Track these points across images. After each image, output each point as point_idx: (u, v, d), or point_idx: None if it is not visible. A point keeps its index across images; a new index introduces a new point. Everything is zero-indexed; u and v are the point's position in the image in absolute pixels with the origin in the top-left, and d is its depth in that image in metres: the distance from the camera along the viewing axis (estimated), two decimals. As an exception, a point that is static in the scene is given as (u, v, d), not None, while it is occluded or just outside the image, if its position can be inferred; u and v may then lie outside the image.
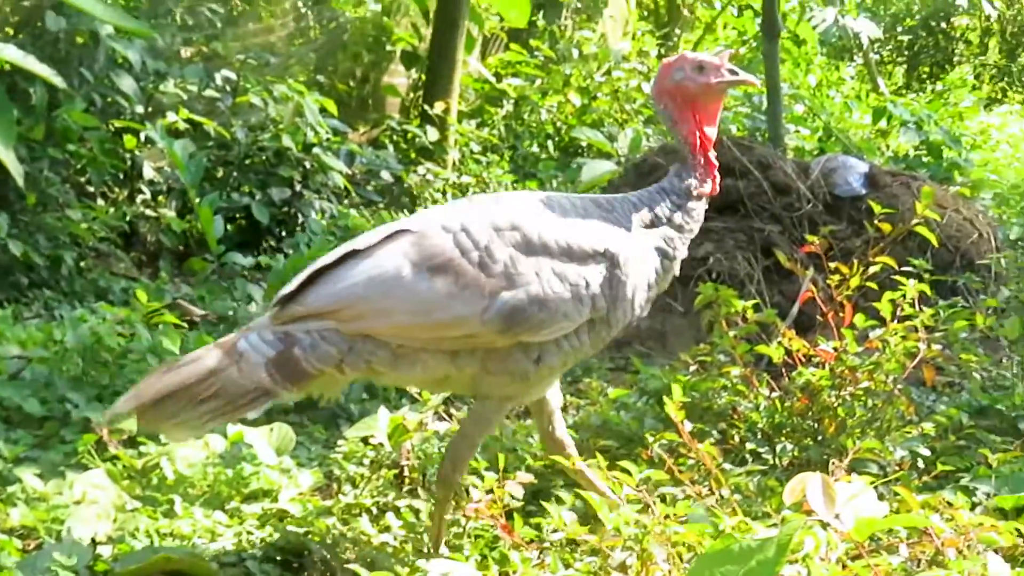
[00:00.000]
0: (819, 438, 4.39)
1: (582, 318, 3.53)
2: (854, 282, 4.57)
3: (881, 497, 3.14)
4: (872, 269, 4.59)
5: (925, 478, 4.12)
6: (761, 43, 12.37)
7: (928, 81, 16.40)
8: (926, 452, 4.27)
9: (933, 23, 17.79)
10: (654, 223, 3.69)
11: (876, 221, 4.64)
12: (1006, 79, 17.22)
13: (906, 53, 18.01)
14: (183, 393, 3.45)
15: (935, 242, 5.05)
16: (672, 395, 3.54)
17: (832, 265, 4.69)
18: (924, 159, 9.63)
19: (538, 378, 3.59)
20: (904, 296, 4.53)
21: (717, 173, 3.73)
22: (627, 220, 3.67)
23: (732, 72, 3.72)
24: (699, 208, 3.74)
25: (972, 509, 3.65)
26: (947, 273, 6.00)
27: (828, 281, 4.69)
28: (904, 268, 4.88)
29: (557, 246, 3.49)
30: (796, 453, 4.38)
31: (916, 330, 4.44)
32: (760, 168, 6.43)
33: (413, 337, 3.49)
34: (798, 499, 2.65)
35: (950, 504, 3.32)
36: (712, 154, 3.71)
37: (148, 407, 3.46)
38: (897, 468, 4.19)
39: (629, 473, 3.27)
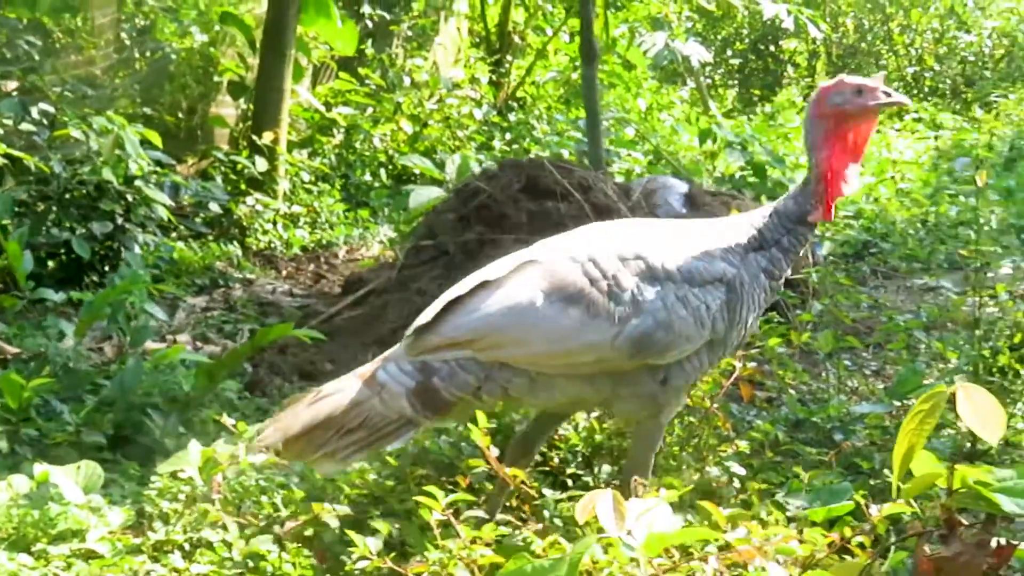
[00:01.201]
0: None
1: (703, 340, 3.75)
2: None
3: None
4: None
5: (743, 496, 4.22)
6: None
7: (759, 103, 16.88)
8: (741, 471, 4.39)
9: (762, 47, 18.38)
10: (762, 245, 3.87)
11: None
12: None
13: (737, 76, 18.54)
14: (330, 424, 3.65)
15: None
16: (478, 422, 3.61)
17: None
18: (749, 179, 9.95)
19: (666, 398, 3.80)
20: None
21: (835, 203, 3.87)
22: (739, 244, 3.85)
23: (887, 94, 3.87)
24: (808, 232, 3.92)
25: (788, 524, 3.77)
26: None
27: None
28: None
29: (679, 273, 3.71)
30: (615, 473, 4.46)
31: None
32: (581, 190, 6.62)
33: (548, 364, 3.70)
34: (589, 516, 2.76)
35: (763, 520, 3.47)
36: (838, 184, 3.84)
37: (295, 439, 3.67)
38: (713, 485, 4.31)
39: (435, 498, 3.33)
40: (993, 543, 2.72)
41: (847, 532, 2.96)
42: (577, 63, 14.87)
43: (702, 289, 3.73)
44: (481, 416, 3.57)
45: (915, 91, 17.38)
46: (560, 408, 4.00)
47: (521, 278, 3.71)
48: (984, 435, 2.64)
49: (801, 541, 3.09)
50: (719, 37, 18.33)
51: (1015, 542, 2.72)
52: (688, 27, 16.80)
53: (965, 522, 2.74)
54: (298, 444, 3.69)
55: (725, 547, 3.08)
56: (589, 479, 4.42)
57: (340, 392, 3.73)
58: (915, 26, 17.95)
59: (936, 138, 13.31)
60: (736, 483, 4.33)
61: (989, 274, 5.88)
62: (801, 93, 17.21)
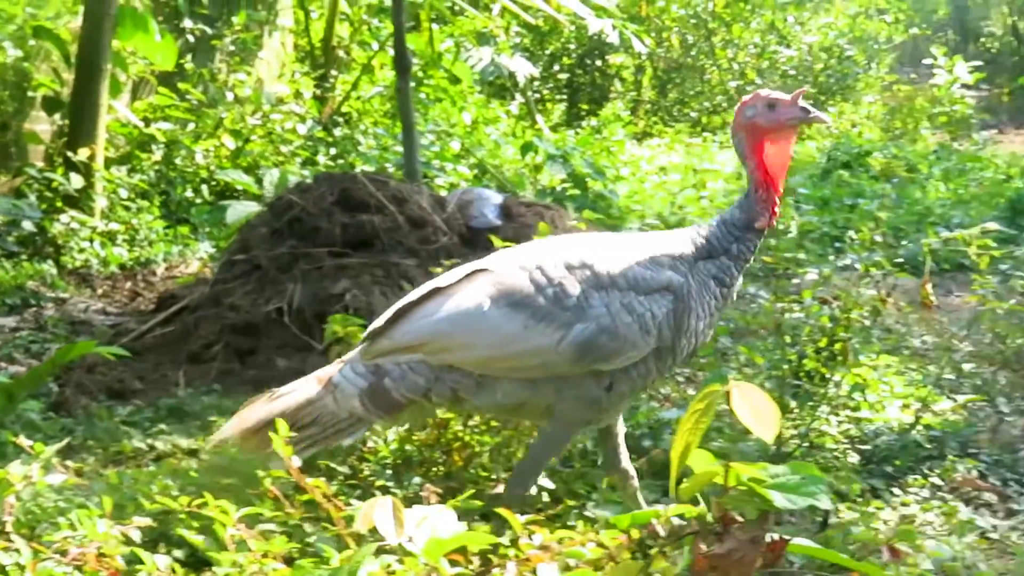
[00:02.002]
0: (448, 469, 4.51)
1: (649, 347, 3.87)
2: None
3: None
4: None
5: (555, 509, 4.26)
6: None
7: (586, 117, 17.09)
8: (550, 485, 4.43)
9: (589, 61, 18.61)
10: (711, 253, 4.00)
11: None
12: (658, 113, 18.16)
13: (565, 90, 18.73)
14: (286, 420, 3.73)
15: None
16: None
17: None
18: (571, 191, 10.07)
19: (609, 404, 3.93)
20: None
21: (776, 208, 4.03)
22: (687, 253, 3.98)
23: (804, 110, 4.01)
24: (756, 239, 4.06)
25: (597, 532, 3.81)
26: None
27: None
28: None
29: (624, 280, 3.84)
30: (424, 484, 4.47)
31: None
32: (396, 202, 6.63)
33: (494, 367, 3.87)
34: (369, 524, 2.76)
35: (569, 527, 3.52)
36: (775, 190, 4.01)
37: (252, 433, 3.92)
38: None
39: (227, 512, 3.30)
40: (768, 538, 2.80)
41: (636, 534, 3.00)
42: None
43: (648, 297, 3.85)
44: (282, 426, 3.54)
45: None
46: (506, 412, 4.16)
47: (471, 286, 3.90)
48: (759, 432, 2.72)
49: (599, 544, 3.13)
50: (546, 52, 18.52)
51: (787, 537, 2.80)
52: (516, 42, 16.93)
53: (740, 518, 2.81)
54: (254, 439, 3.91)
55: (524, 558, 3.11)
56: (399, 491, 4.42)
57: (296, 391, 3.98)
58: (737, 41, 18.39)
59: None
60: (545, 494, 4.38)
61: (796, 280, 6.04)
62: (626, 107, 17.49)
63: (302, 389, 3.98)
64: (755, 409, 2.73)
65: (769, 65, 18.46)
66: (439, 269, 5.05)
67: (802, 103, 4.02)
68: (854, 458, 5.34)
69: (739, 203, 4.09)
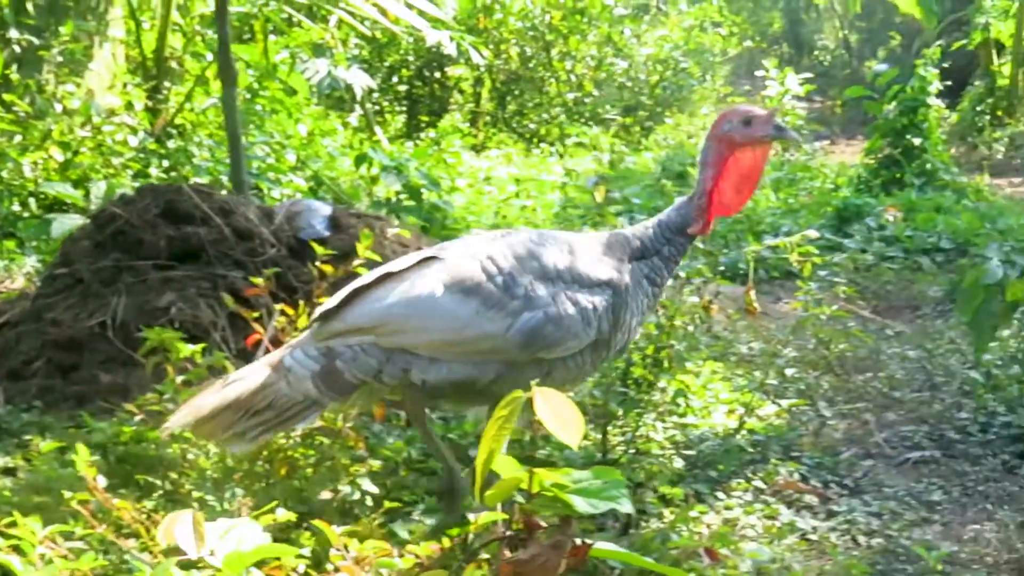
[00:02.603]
0: (270, 481, 4.46)
1: (588, 339, 4.09)
2: (301, 322, 4.69)
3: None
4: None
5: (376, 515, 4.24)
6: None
7: (425, 128, 17.08)
8: (374, 489, 4.41)
9: (428, 73, 18.58)
10: (644, 254, 4.26)
11: (319, 263, 4.81)
12: (498, 125, 18.23)
13: (404, 102, 18.68)
14: (239, 405, 3.93)
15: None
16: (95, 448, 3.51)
17: (279, 307, 4.80)
18: (406, 202, 10.05)
19: None
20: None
21: (712, 218, 4.28)
22: (624, 253, 4.24)
23: (777, 128, 4.24)
24: (687, 243, 4.33)
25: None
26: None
27: (276, 323, 4.80)
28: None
29: (570, 275, 4.07)
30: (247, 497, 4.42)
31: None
32: (222, 214, 6.53)
33: (446, 351, 4.00)
34: (171, 539, 2.71)
35: (398, 538, 3.50)
36: (719, 204, 4.26)
37: (206, 420, 3.94)
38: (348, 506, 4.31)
39: (33, 531, 3.21)
40: (576, 543, 2.82)
41: (446, 543, 3.00)
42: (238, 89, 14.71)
43: (590, 291, 4.08)
44: (82, 449, 3.46)
45: (577, 116, 17.97)
46: (453, 391, 4.19)
47: (424, 271, 4.03)
48: (563, 438, 2.74)
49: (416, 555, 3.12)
50: (385, 64, 18.45)
51: (590, 541, 2.83)
52: (354, 54, 16.84)
53: (544, 524, 2.83)
54: (208, 425, 3.96)
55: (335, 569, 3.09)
56: (217, 504, 4.36)
57: (249, 376, 4.01)
58: (575, 53, 18.56)
59: (562, 155, 13.76)
60: (369, 501, 4.36)
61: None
62: (465, 118, 17.53)
63: (254, 374, 4.03)
64: (559, 414, 2.75)
65: (606, 77, 18.67)
66: (260, 280, 5.00)
67: (776, 121, 4.24)
68: (679, 463, 5.44)
69: (678, 206, 4.33)
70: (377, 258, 4.91)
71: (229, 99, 7.38)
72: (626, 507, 2.79)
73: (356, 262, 4.82)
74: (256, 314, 4.94)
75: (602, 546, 2.84)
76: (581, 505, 2.75)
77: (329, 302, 4.10)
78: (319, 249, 5.01)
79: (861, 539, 5.00)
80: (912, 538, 5.03)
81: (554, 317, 4.01)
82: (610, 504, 2.75)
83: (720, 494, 5.31)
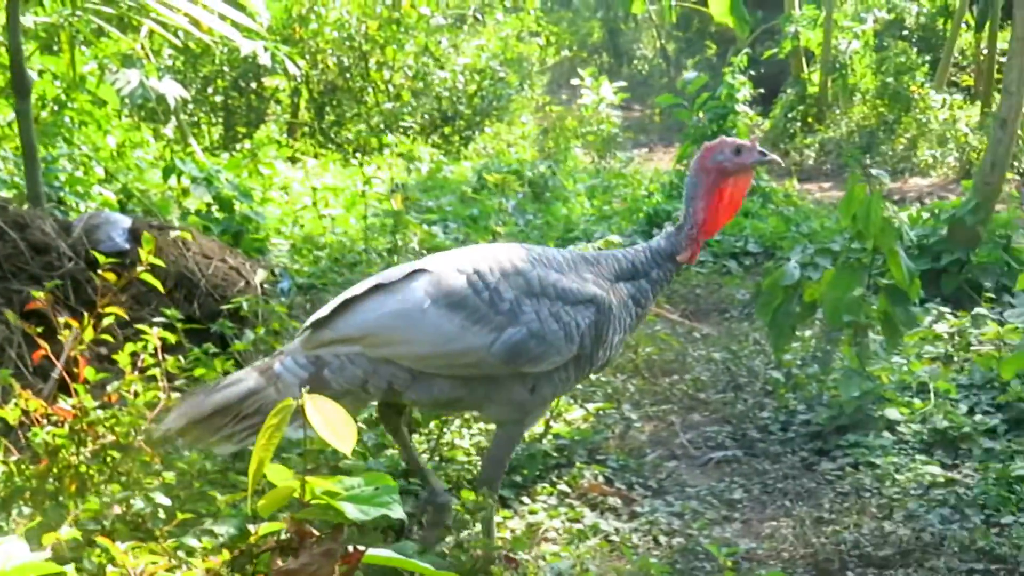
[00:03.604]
0: (60, 499, 4.34)
1: (571, 354, 4.24)
2: (87, 335, 4.58)
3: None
4: (105, 321, 4.64)
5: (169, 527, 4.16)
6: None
7: (242, 140, 16.86)
8: (167, 501, 4.33)
9: (244, 83, 18.33)
10: (633, 275, 4.47)
11: (100, 271, 4.70)
12: (316, 136, 18.09)
13: (220, 113, 18.40)
14: (228, 411, 4.06)
15: (161, 289, 5.20)
16: None
17: (62, 320, 4.69)
18: (217, 214, 9.89)
19: (533, 405, 4.33)
20: (147, 346, 4.64)
21: (699, 247, 4.59)
22: (610, 272, 4.43)
23: (762, 153, 4.53)
24: (674, 270, 4.59)
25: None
26: (214, 321, 6.19)
27: (59, 336, 4.68)
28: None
29: (554, 291, 4.21)
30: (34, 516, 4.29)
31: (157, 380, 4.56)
32: (16, 228, 6.33)
33: (430, 363, 4.13)
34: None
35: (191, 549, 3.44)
36: (707, 233, 4.58)
37: (196, 423, 4.08)
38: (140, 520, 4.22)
39: None
40: (348, 550, 2.81)
41: (225, 556, 2.96)
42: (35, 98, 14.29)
43: (574, 307, 4.22)
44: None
45: (394, 126, 17.93)
46: (438, 407, 4.53)
47: (413, 284, 4.16)
48: (337, 445, 2.72)
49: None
50: (200, 74, 18.13)
51: (362, 548, 2.82)
52: (168, 64, 16.53)
53: (316, 532, 2.81)
54: (198, 429, 4.10)
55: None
56: (3, 524, 4.23)
57: (238, 382, 4.13)
58: (392, 63, 18.51)
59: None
60: (163, 515, 4.27)
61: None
62: (282, 129, 17.35)
63: (244, 380, 4.13)
64: (330, 422, 2.74)
65: (424, 87, 18.67)
66: (40, 294, 4.86)
67: (760, 147, 4.54)
68: (483, 469, 5.45)
69: (667, 235, 4.59)
70: (161, 264, 4.84)
71: (23, 111, 7.16)
72: (397, 513, 2.79)
73: (139, 268, 4.73)
74: (39, 329, 4.80)
75: (376, 552, 2.84)
76: (352, 512, 2.74)
77: (320, 311, 4.20)
78: (101, 258, 4.93)
79: (662, 539, 5.10)
80: (712, 536, 5.15)
81: (537, 332, 4.15)
82: (381, 510, 2.75)
83: (525, 499, 5.36)
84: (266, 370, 4.18)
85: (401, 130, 17.78)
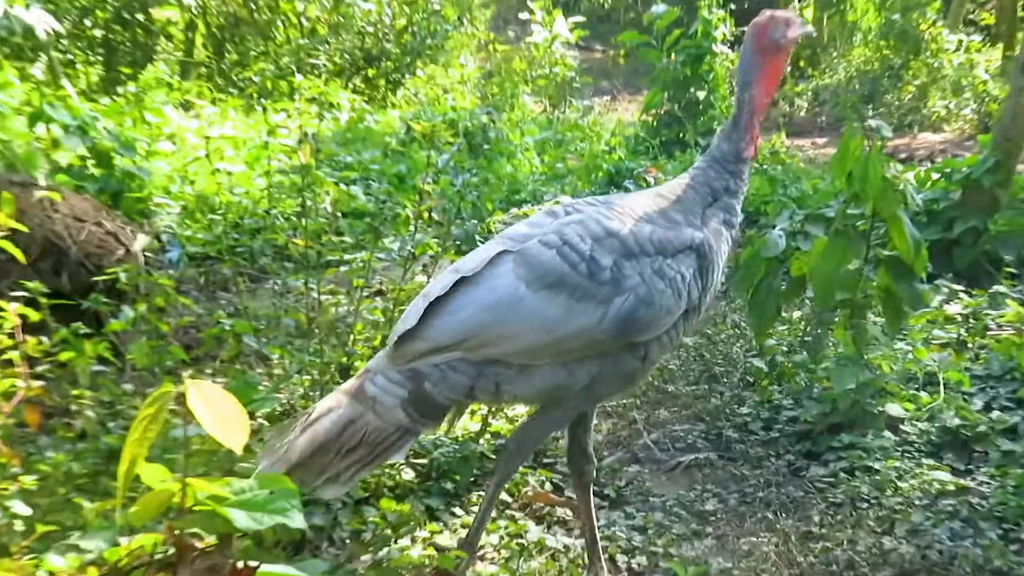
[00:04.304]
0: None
1: (680, 310, 4.34)
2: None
3: None
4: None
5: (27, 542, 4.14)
6: None
7: (127, 82, 16.68)
8: (27, 510, 4.29)
9: (129, 15, 18.15)
10: (715, 196, 4.56)
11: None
12: (214, 77, 17.96)
13: (100, 51, 18.22)
14: (329, 446, 4.11)
15: (22, 258, 5.12)
16: None
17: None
18: (93, 168, 9.79)
19: (643, 373, 4.45)
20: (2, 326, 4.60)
21: (757, 136, 4.68)
22: (696, 205, 4.51)
23: (803, 24, 4.71)
24: (745, 169, 4.65)
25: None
26: (86, 296, 6.12)
27: None
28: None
29: (651, 245, 4.28)
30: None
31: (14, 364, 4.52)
32: None
33: (539, 354, 4.19)
34: None
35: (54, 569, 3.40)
36: (759, 115, 4.68)
37: (296, 467, 4.08)
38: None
39: None
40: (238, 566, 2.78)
41: (93, 573, 2.94)
42: None
43: (675, 259, 4.31)
44: None
45: (307, 67, 17.84)
46: (538, 400, 4.47)
47: (498, 271, 4.21)
48: (226, 441, 2.68)
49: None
50: (76, 3, 17.95)
51: (254, 563, 2.79)
52: (37, -10, 16.32)
53: (199, 545, 2.78)
54: (298, 472, 4.08)
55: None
56: None
57: (331, 412, 4.18)
58: (304, -10, 18.45)
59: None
60: (21, 526, 4.24)
61: (343, 268, 6.07)
62: (173, 70, 17.19)
63: (336, 409, 4.19)
64: (218, 413, 2.70)
65: (344, 20, 18.57)
66: None
67: (798, 17, 4.75)
68: (408, 474, 5.43)
69: (725, 134, 4.68)
70: (23, 228, 4.77)
71: None
72: (297, 522, 2.76)
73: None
74: None
75: (273, 569, 2.80)
76: (242, 521, 2.70)
77: (406, 320, 4.22)
78: (-52, 222, 4.85)
79: (620, 558, 5.09)
80: (679, 555, 5.15)
81: (645, 297, 4.23)
82: (278, 518, 2.71)
83: (457, 510, 5.33)
84: (358, 393, 4.23)
85: (316, 72, 17.68)
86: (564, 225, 4.36)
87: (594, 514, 4.78)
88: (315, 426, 4.18)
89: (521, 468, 5.69)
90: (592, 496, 4.76)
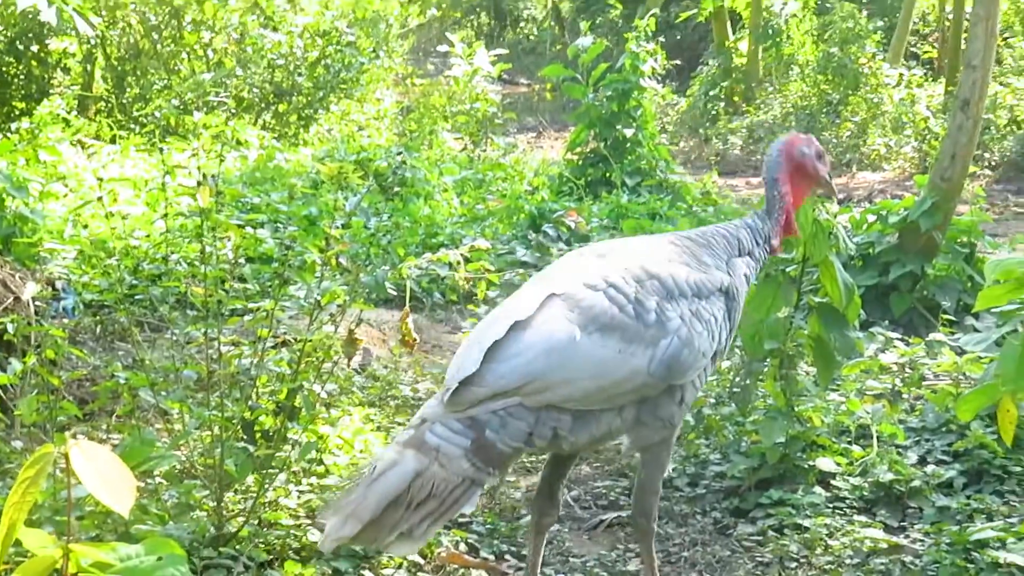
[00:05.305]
0: None
1: (712, 353, 4.65)
2: None
3: None
4: None
5: None
6: None
7: (20, 117, 16.61)
8: None
9: (22, 47, 18.06)
10: (740, 251, 4.90)
11: None
12: (114, 113, 17.89)
13: (-4, 83, 18.14)
14: (399, 502, 4.21)
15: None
16: None
17: None
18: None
19: (680, 417, 4.69)
20: None
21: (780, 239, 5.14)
22: (724, 252, 4.84)
23: (829, 175, 5.24)
24: (768, 254, 5.10)
25: None
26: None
27: None
28: None
29: (688, 287, 4.58)
30: None
31: None
32: None
33: (594, 399, 4.42)
34: None
35: None
36: (792, 221, 5.14)
37: (371, 524, 4.20)
38: None
39: None
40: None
41: None
42: None
43: (708, 301, 4.63)
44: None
45: (216, 103, 17.80)
46: (592, 446, 4.88)
47: (550, 314, 4.42)
48: (111, 503, 2.70)
49: None
50: (-36, 35, 17.87)
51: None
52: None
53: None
54: (372, 530, 4.22)
55: None
56: None
57: (395, 467, 4.28)
58: (212, 22, 18.40)
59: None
60: None
61: (247, 317, 6.07)
62: (70, 106, 17.11)
63: (400, 463, 4.28)
64: (103, 474, 2.71)
65: (253, 52, 18.57)
66: None
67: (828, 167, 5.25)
68: (316, 536, 5.43)
69: (760, 216, 5.09)
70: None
71: None
72: (186, 589, 2.78)
73: None
74: None
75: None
76: (132, 589, 2.72)
77: (465, 367, 4.35)
78: None
79: (539, 621, 5.12)
80: (600, 618, 5.20)
81: (687, 339, 4.52)
82: (166, 585, 2.73)
83: (367, 572, 5.35)
84: (420, 445, 4.32)
85: (223, 107, 17.66)
86: (605, 267, 4.60)
87: (541, 555, 4.99)
88: (382, 480, 4.27)
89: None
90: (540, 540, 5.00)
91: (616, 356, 4.41)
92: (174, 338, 7.36)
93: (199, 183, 5.55)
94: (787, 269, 6.50)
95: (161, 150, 6.43)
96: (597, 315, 4.43)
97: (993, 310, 6.44)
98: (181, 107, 17.68)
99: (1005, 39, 22.53)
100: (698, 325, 4.56)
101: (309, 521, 5.54)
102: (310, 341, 5.51)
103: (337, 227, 5.71)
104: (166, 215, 6.09)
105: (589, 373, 4.39)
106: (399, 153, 13.65)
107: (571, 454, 4.89)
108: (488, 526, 5.94)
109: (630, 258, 4.66)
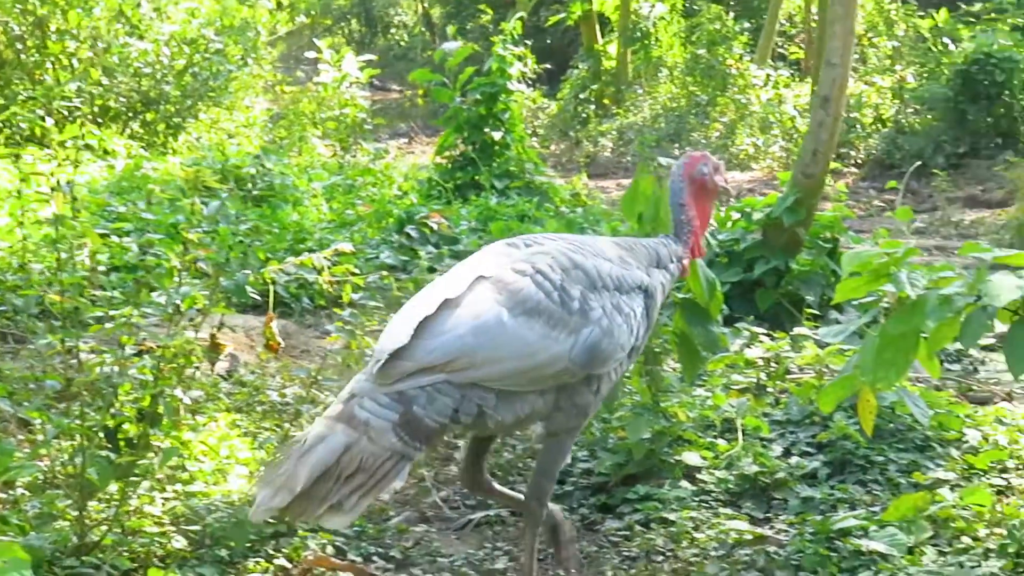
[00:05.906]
0: None
1: (629, 347, 4.81)
2: None
3: None
4: None
5: None
6: None
7: None
8: None
9: None
10: (659, 264, 5.08)
11: None
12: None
13: None
14: (328, 474, 4.27)
15: None
16: None
17: None
18: None
19: (595, 408, 4.88)
20: None
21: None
22: (644, 259, 5.03)
23: (726, 182, 5.45)
24: (680, 270, 5.25)
25: None
26: None
27: None
28: None
29: (611, 280, 4.75)
30: None
31: None
32: None
33: (518, 380, 4.55)
34: None
35: None
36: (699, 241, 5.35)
37: (301, 495, 4.24)
38: None
39: None
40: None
41: None
42: None
43: (629, 296, 4.78)
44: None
45: (85, 111, 17.57)
46: (516, 428, 5.01)
47: (478, 295, 4.53)
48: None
49: None
50: None
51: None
52: None
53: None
54: (302, 502, 4.26)
55: None
56: None
57: (323, 440, 4.33)
58: (77, 32, 18.14)
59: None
60: None
61: (108, 325, 6.01)
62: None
63: (330, 436, 4.33)
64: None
65: (119, 62, 18.34)
66: None
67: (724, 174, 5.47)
68: (180, 542, 5.39)
69: (672, 239, 5.26)
70: None
71: None
72: (26, 594, 2.76)
73: None
74: None
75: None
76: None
77: (394, 338, 4.44)
78: None
79: (408, 622, 5.14)
80: (467, 616, 5.21)
81: (607, 329, 4.66)
82: (8, 591, 2.71)
83: (233, 578, 5.33)
84: (349, 419, 4.38)
85: (88, 115, 17.44)
86: (532, 255, 4.74)
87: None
88: (311, 454, 4.30)
89: (300, 531, 5.70)
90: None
91: (540, 340, 4.52)
92: (36, 348, 7.28)
93: (52, 189, 5.50)
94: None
95: (16, 157, 6.35)
96: (523, 299, 4.55)
97: (853, 302, 6.51)
98: (44, 116, 17.40)
99: (870, 39, 22.96)
100: (618, 318, 4.71)
101: (174, 528, 5.50)
102: (170, 347, 5.47)
103: (197, 232, 5.68)
104: (21, 223, 6.02)
105: (514, 354, 4.50)
106: (257, 157, 13.58)
107: (491, 436, 5.01)
108: (355, 528, 5.92)
109: (558, 248, 4.79)
